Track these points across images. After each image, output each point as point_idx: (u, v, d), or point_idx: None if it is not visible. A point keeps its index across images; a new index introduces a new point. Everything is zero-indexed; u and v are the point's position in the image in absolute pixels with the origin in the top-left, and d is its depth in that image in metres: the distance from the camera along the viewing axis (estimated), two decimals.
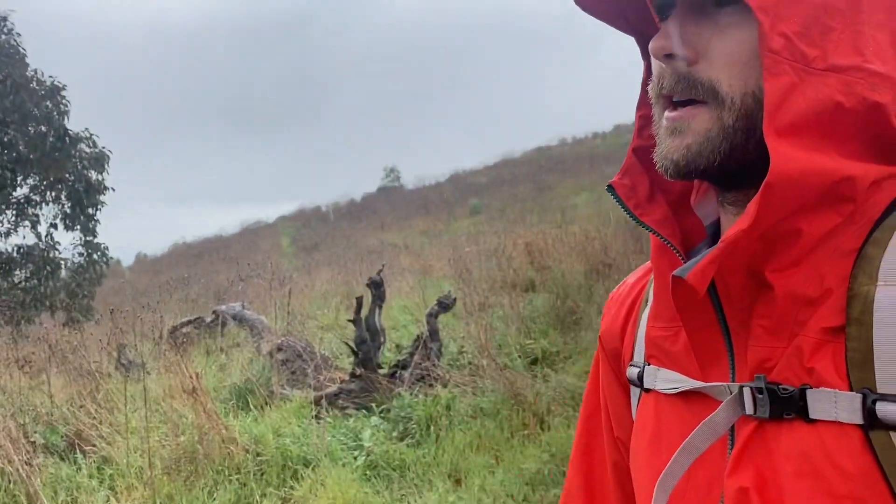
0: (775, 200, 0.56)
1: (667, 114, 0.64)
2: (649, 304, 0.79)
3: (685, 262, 0.68)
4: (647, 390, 0.76)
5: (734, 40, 0.60)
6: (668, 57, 0.62)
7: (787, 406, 0.59)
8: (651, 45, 0.63)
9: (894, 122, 0.59)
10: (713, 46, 0.61)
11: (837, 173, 0.57)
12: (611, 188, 0.73)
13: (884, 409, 0.54)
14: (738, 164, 0.62)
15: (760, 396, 0.60)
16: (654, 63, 0.66)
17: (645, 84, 0.74)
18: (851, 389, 0.56)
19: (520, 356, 5.73)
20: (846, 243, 0.59)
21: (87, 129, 15.45)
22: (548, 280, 7.05)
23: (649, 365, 0.76)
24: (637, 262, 5.62)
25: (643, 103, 0.74)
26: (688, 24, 0.62)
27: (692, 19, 0.62)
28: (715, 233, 0.74)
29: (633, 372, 0.79)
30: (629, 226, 8.13)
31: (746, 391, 0.61)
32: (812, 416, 0.58)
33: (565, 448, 4.00)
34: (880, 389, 0.55)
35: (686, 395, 0.70)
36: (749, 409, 0.61)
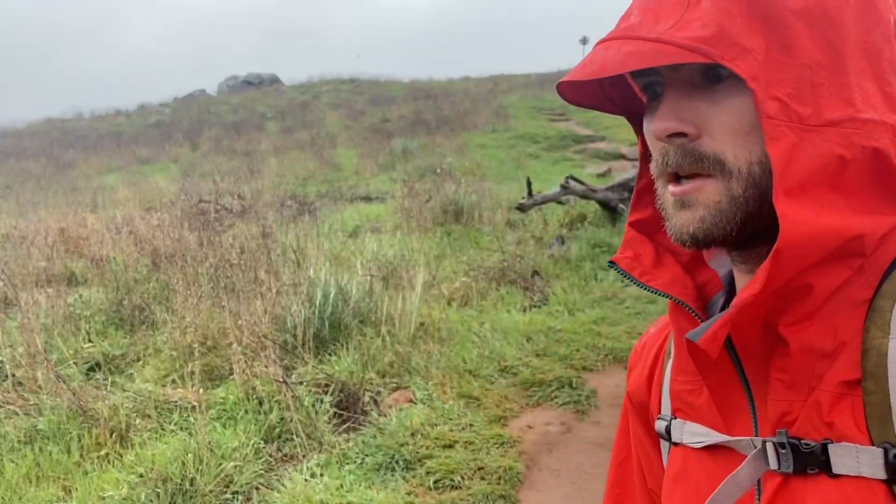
0: (784, 263, 0.58)
1: (671, 188, 0.65)
2: (671, 357, 0.80)
3: (700, 319, 0.70)
4: (676, 444, 0.77)
5: (732, 112, 0.60)
6: (672, 136, 0.62)
7: (810, 461, 0.60)
8: (653, 129, 0.63)
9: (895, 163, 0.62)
10: (712, 120, 0.62)
11: (847, 233, 0.59)
12: (612, 264, 0.75)
13: None
14: (752, 229, 0.63)
15: (783, 451, 0.62)
16: (655, 143, 0.66)
17: (642, 158, 0.75)
18: (872, 443, 0.57)
19: (75, 363, 4.91)
20: (857, 294, 0.61)
21: None
22: (105, 273, 6.21)
23: (675, 419, 0.77)
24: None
25: (642, 176, 0.77)
26: (682, 101, 0.63)
27: (686, 95, 0.63)
28: (731, 282, 0.75)
29: (661, 425, 0.80)
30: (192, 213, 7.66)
31: (770, 446, 0.63)
32: (835, 470, 0.59)
33: (159, 466, 3.54)
34: None
35: (713, 449, 0.71)
36: (773, 465, 0.63)
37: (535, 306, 6.03)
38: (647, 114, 0.68)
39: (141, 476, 3.55)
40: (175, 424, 4.02)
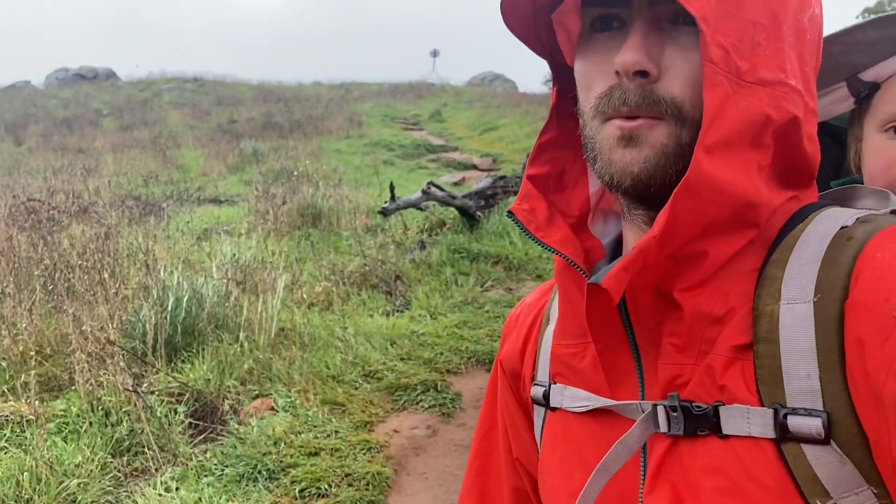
0: (684, 211, 0.58)
1: (618, 123, 0.62)
2: (551, 323, 0.80)
3: (589, 279, 0.67)
4: (554, 409, 0.76)
5: (697, 62, 0.60)
6: (636, 74, 0.61)
7: (700, 423, 0.61)
8: (623, 59, 0.61)
9: (804, 141, 0.64)
10: (676, 65, 0.61)
11: (745, 197, 0.60)
12: (511, 214, 0.73)
13: (795, 423, 0.56)
14: None
15: (674, 414, 0.62)
16: (600, 79, 0.64)
17: (554, 109, 0.74)
18: (762, 405, 0.59)
19: None
20: (747, 263, 0.62)
21: None
22: None
23: (555, 384, 0.76)
24: None
25: (547, 131, 0.75)
26: (652, 39, 0.62)
27: (655, 35, 0.62)
28: (614, 250, 0.76)
29: (537, 391, 0.78)
30: None
31: (660, 409, 0.63)
32: (725, 431, 0.60)
33: None
34: (790, 404, 0.57)
35: (596, 413, 0.70)
36: (663, 427, 0.63)
37: (397, 311, 6.01)
38: (590, 50, 0.66)
39: None
40: (7, 441, 3.62)
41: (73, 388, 4.02)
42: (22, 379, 4.05)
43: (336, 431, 4.00)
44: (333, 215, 8.42)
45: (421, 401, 4.49)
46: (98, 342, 4.11)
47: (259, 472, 3.57)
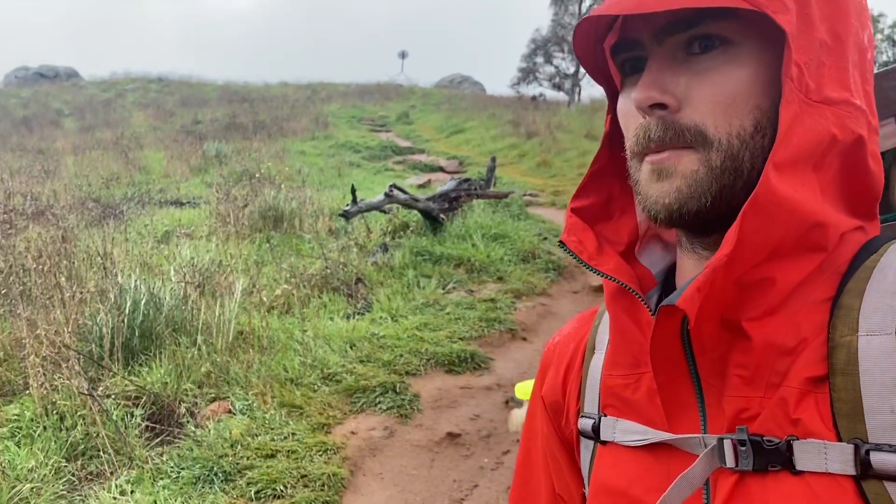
0: (752, 230, 0.58)
1: (649, 158, 0.64)
2: (596, 352, 0.78)
3: (646, 304, 0.68)
4: (605, 442, 0.73)
5: (715, 84, 0.61)
6: (653, 107, 0.62)
7: (772, 458, 0.59)
8: (636, 97, 0.62)
9: (869, 160, 0.64)
10: (694, 92, 0.62)
11: (813, 216, 0.60)
12: (562, 244, 0.73)
13: (878, 459, 0.54)
14: (726, 206, 0.62)
15: (743, 448, 0.60)
16: (631, 119, 0.66)
17: (606, 138, 0.75)
18: (839, 440, 0.57)
19: None
20: (819, 292, 0.61)
21: None
22: None
23: (606, 416, 0.73)
24: None
25: (600, 157, 0.75)
26: (665, 73, 0.63)
27: (668, 68, 0.63)
28: (664, 280, 0.76)
29: (585, 423, 0.76)
30: None
31: (727, 443, 0.61)
32: (799, 467, 0.58)
33: None
34: (872, 439, 0.55)
35: (652, 447, 0.68)
36: (730, 462, 0.61)
37: (358, 313, 6.04)
38: (623, 90, 0.68)
39: None
40: None
41: (28, 392, 4.00)
42: None
43: (293, 433, 4.03)
44: (295, 218, 8.41)
45: (379, 402, 4.54)
46: (53, 346, 4.08)
47: (215, 474, 3.58)
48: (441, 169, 15.26)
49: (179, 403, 4.18)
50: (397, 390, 4.67)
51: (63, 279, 4.84)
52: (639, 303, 0.69)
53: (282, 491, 3.49)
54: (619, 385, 0.72)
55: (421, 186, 12.05)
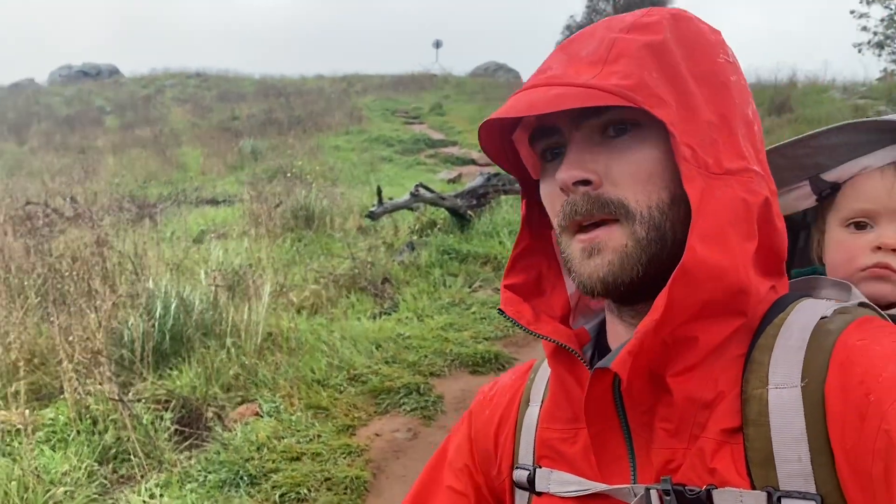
0: (680, 295, 0.62)
1: (579, 237, 0.68)
2: (531, 405, 0.82)
3: (585, 362, 0.73)
4: (539, 493, 0.77)
5: (632, 162, 0.66)
6: (577, 184, 0.67)
7: None
8: (560, 177, 0.67)
9: (775, 220, 0.70)
10: (613, 169, 0.67)
11: (738, 283, 0.65)
12: (501, 311, 0.77)
13: None
14: (655, 272, 0.66)
15: (668, 498, 0.64)
16: (556, 199, 0.70)
17: (525, 222, 0.80)
18: (753, 487, 0.61)
19: None
20: (733, 350, 0.66)
21: None
22: None
23: (541, 467, 0.77)
24: None
25: (520, 242, 0.80)
26: (585, 154, 0.68)
27: (587, 149, 0.68)
28: (597, 335, 0.80)
29: (521, 475, 0.79)
30: None
31: (654, 493, 0.65)
32: None
33: None
34: (783, 487, 0.60)
35: (586, 498, 0.72)
36: None
37: (385, 313, 6.09)
38: (545, 176, 0.73)
39: None
40: None
41: (62, 396, 4.13)
42: (13, 388, 4.16)
43: (318, 436, 4.10)
44: (326, 216, 8.50)
45: (403, 404, 4.59)
46: (86, 351, 4.21)
47: (241, 477, 3.67)
48: (473, 161, 15.23)
49: (207, 407, 4.28)
50: (421, 391, 4.71)
51: (97, 283, 4.98)
52: (578, 361, 0.73)
53: (306, 494, 3.56)
54: (557, 438, 0.76)
55: (451, 181, 12.07)
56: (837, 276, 0.85)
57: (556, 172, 0.69)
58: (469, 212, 8.10)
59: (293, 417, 4.26)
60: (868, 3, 20.55)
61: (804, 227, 1.07)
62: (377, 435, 4.24)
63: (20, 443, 3.70)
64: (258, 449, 3.89)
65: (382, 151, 16.50)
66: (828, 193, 0.99)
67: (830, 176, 0.98)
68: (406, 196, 7.75)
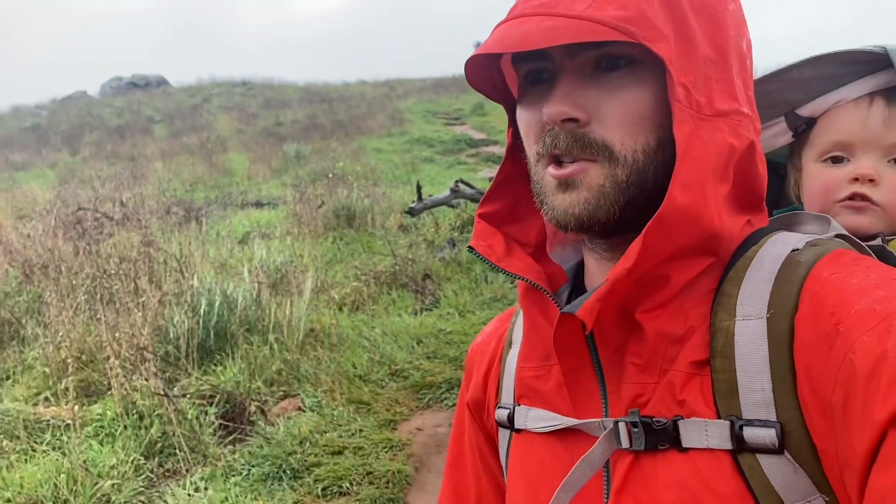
0: (654, 242, 0.61)
1: (552, 171, 0.66)
2: (513, 346, 0.82)
3: (556, 301, 0.72)
4: (519, 430, 0.78)
5: (625, 102, 0.63)
6: (565, 121, 0.64)
7: (661, 438, 0.63)
8: (548, 112, 0.64)
9: (758, 162, 0.68)
10: (603, 109, 0.64)
11: (711, 228, 0.64)
12: (471, 249, 0.75)
13: (750, 434, 0.59)
14: (630, 215, 0.65)
15: (636, 430, 0.64)
16: (534, 127, 0.68)
17: (509, 150, 0.77)
18: (720, 417, 0.61)
19: None
20: (705, 285, 0.66)
21: None
22: None
23: (520, 406, 0.78)
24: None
25: (503, 170, 0.78)
26: (577, 88, 0.64)
27: (579, 83, 0.65)
28: (576, 275, 0.79)
29: (502, 414, 0.80)
30: (66, 224, 7.29)
31: (622, 425, 0.65)
32: (684, 444, 0.62)
33: (29, 489, 3.36)
34: (745, 415, 0.60)
35: (560, 433, 0.72)
36: (625, 443, 0.65)
37: (426, 309, 6.08)
38: (524, 101, 0.69)
39: (8, 501, 3.36)
40: (47, 444, 3.82)
41: (110, 392, 4.21)
42: (63, 385, 4.25)
43: (360, 430, 4.10)
44: (367, 215, 8.54)
45: (445, 399, 4.56)
46: (132, 348, 4.28)
47: (284, 471, 3.69)
48: None
49: (251, 402, 4.31)
50: None
51: (143, 282, 5.07)
52: (548, 299, 0.72)
53: (347, 488, 3.56)
54: (531, 377, 0.76)
55: (492, 179, 12.01)
56: (815, 211, 0.83)
57: (539, 99, 0.67)
58: None
59: (335, 412, 4.26)
60: None
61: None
62: (419, 429, 4.22)
63: (69, 437, 3.78)
64: (300, 443, 3.90)
65: (424, 152, 16.54)
66: (803, 129, 0.98)
67: (805, 111, 0.97)
68: (446, 192, 7.73)
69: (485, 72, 0.73)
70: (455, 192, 7.62)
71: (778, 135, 1.00)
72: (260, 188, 12.93)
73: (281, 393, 4.52)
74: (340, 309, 5.84)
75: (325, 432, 4.04)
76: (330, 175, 10.06)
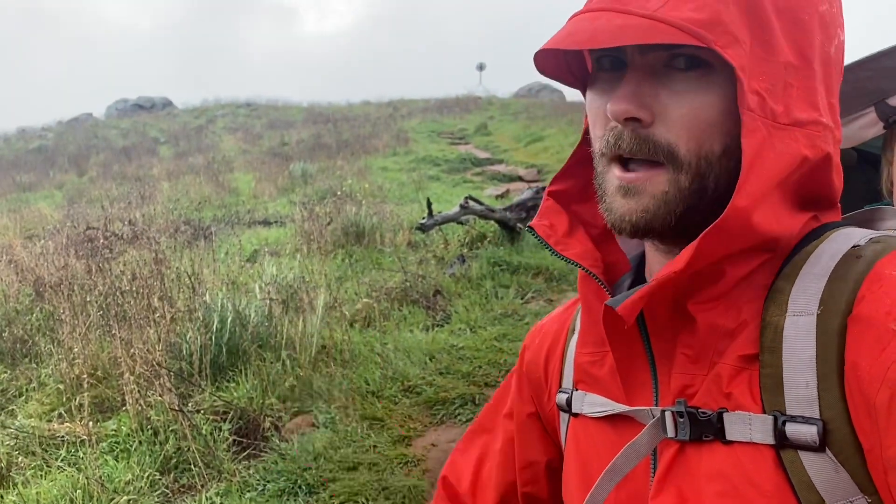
0: (710, 247, 0.61)
1: (618, 173, 0.66)
2: (576, 333, 0.83)
3: (608, 291, 0.72)
4: (576, 415, 0.79)
5: (692, 106, 0.62)
6: (629, 120, 0.63)
7: (706, 429, 0.63)
8: (612, 109, 0.63)
9: (833, 174, 0.67)
10: (670, 111, 0.63)
11: (770, 234, 0.63)
12: (531, 229, 0.76)
13: (792, 430, 0.59)
14: (689, 222, 0.65)
15: (681, 420, 0.65)
16: (601, 119, 0.67)
17: (585, 133, 0.76)
18: (764, 412, 0.61)
19: None
20: (760, 279, 0.65)
21: None
22: None
23: (577, 390, 0.79)
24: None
25: (579, 151, 0.77)
26: (644, 86, 0.63)
27: (648, 81, 0.64)
28: (639, 265, 0.78)
29: (561, 398, 0.82)
30: (75, 240, 7.32)
31: (668, 415, 0.66)
32: (728, 437, 0.62)
33: None
34: (789, 411, 0.60)
35: (612, 418, 0.73)
36: (671, 433, 0.66)
37: (437, 325, 6.07)
38: (595, 85, 0.69)
39: None
40: (62, 460, 3.82)
41: (124, 408, 4.21)
42: (77, 401, 4.25)
43: (374, 446, 4.08)
44: (376, 232, 8.55)
45: (459, 414, 4.54)
46: (147, 364, 4.28)
47: (299, 486, 3.67)
48: (519, 178, 15.20)
49: (265, 418, 4.30)
50: (476, 402, 4.66)
51: (156, 300, 5.08)
52: (601, 288, 0.73)
53: (364, 503, 3.54)
54: (588, 362, 0.77)
55: (499, 197, 12.04)
56: None
57: (608, 88, 0.66)
58: (519, 224, 8.05)
59: (349, 428, 4.25)
60: None
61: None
62: (433, 445, 4.20)
63: (85, 453, 3.77)
64: (315, 459, 3.89)
65: (429, 171, 16.59)
66: (895, 120, 0.93)
67: None
68: (456, 208, 7.75)
69: (559, 57, 0.72)
70: (465, 208, 7.64)
71: (868, 126, 0.95)
72: (266, 207, 12.96)
73: (294, 409, 4.51)
74: (352, 325, 5.84)
75: (340, 448, 4.03)
76: (338, 193, 10.09)
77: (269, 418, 4.32)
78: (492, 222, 8.26)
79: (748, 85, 0.59)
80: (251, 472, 3.82)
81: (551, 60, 0.72)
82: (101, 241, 7.06)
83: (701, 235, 0.60)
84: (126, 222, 8.97)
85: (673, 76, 0.63)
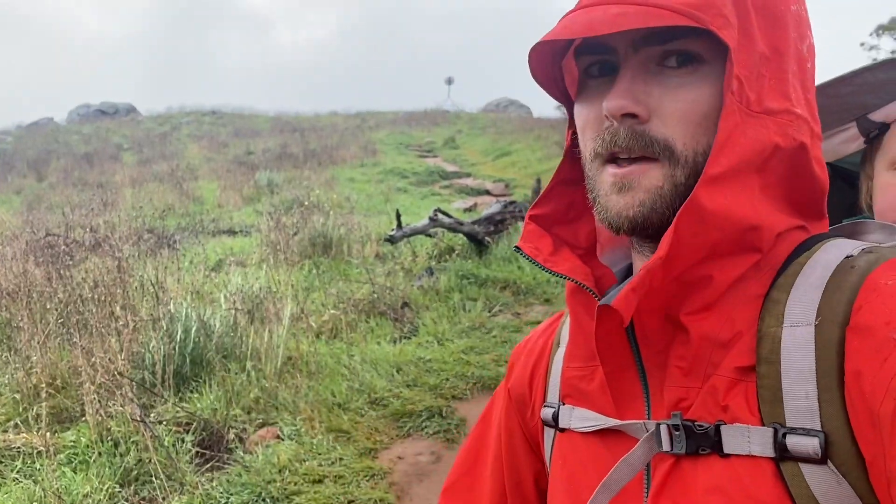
0: (687, 234, 0.61)
1: (611, 170, 0.65)
2: (561, 346, 0.82)
3: (599, 301, 0.70)
4: (563, 430, 0.78)
5: (687, 101, 0.63)
6: (625, 116, 0.63)
7: (702, 442, 0.62)
8: (608, 105, 0.63)
9: (813, 164, 0.67)
10: (665, 106, 0.63)
11: (747, 221, 0.63)
12: (518, 249, 0.76)
13: (793, 442, 0.58)
14: None
15: (677, 433, 0.64)
16: (593, 124, 0.67)
17: (568, 152, 0.76)
18: (763, 424, 0.60)
19: None
20: (753, 289, 0.64)
21: None
22: None
23: (564, 405, 0.78)
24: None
25: (562, 170, 0.77)
26: (638, 83, 0.64)
27: (641, 78, 0.64)
28: (625, 278, 0.78)
29: (547, 412, 0.80)
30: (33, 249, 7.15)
31: (663, 428, 0.65)
32: (726, 450, 0.61)
33: None
34: (789, 423, 0.59)
35: (602, 433, 0.72)
36: (666, 446, 0.64)
37: (405, 337, 6.05)
38: (585, 94, 0.69)
39: None
40: (18, 472, 3.70)
41: (84, 419, 4.11)
42: (34, 411, 4.14)
43: (340, 459, 4.04)
44: (344, 243, 8.51)
45: (426, 427, 4.52)
46: (108, 374, 4.19)
47: (263, 499, 3.61)
48: (487, 192, 15.27)
49: (229, 429, 4.24)
50: (444, 415, 4.65)
51: (118, 308, 4.98)
52: (593, 300, 0.71)
53: None
54: (577, 377, 0.76)
55: (467, 210, 12.08)
56: (887, 221, 0.79)
57: (598, 93, 0.67)
58: (487, 238, 8.08)
59: (314, 440, 4.20)
60: (878, 34, 20.63)
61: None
62: (400, 458, 4.17)
63: (42, 465, 3.67)
64: (280, 471, 3.84)
65: (398, 183, 16.59)
66: (875, 135, 0.94)
67: (878, 115, 0.93)
68: (425, 220, 7.75)
69: (548, 67, 0.72)
70: (434, 220, 7.65)
71: (849, 140, 0.96)
72: (231, 216, 12.82)
73: (259, 421, 4.45)
74: (318, 336, 5.79)
75: (305, 461, 3.98)
76: (305, 203, 10.02)
77: (234, 430, 4.25)
78: (460, 235, 8.28)
79: (736, 68, 0.60)
80: (214, 484, 3.75)
81: (543, 66, 0.72)
82: (62, 247, 6.92)
83: (675, 218, 0.60)
84: (88, 229, 8.80)
85: (666, 73, 0.64)
